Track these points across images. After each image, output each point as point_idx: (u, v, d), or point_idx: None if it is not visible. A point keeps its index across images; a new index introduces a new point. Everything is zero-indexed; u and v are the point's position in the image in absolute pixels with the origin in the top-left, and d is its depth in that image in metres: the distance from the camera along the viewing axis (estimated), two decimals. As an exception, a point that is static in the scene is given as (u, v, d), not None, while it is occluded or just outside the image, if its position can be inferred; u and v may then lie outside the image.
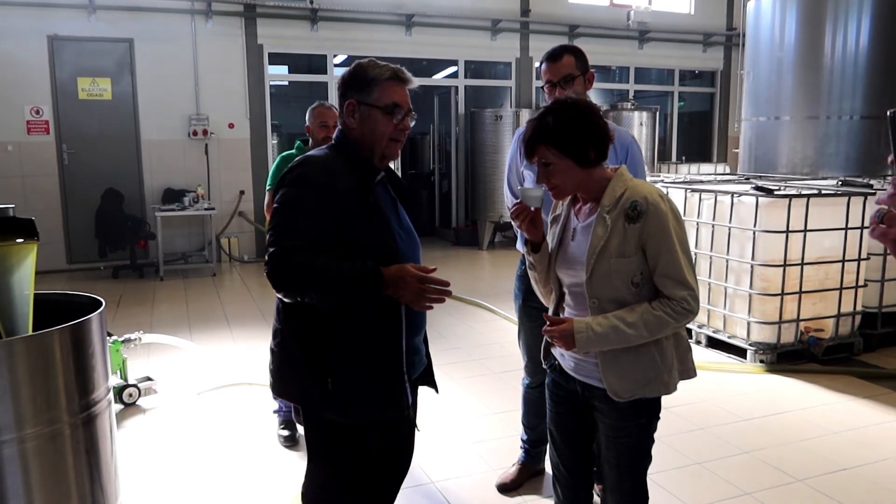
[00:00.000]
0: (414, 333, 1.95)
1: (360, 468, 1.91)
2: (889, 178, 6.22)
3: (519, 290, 2.93)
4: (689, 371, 1.95)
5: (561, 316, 1.98)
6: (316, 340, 1.83)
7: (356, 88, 1.89)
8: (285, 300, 1.85)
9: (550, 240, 2.01)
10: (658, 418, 1.96)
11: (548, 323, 1.90)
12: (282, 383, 1.93)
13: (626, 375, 1.86)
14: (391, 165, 2.08)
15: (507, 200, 3.00)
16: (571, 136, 1.80)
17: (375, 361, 1.85)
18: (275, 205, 1.82)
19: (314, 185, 1.80)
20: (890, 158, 1.16)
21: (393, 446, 2.01)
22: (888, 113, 1.13)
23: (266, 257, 1.78)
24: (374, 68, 1.89)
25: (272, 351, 1.95)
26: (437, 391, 2.13)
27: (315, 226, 1.77)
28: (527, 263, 2.05)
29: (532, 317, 2.89)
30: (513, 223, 2.02)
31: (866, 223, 4.73)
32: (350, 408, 1.84)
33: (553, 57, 2.76)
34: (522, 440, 3.10)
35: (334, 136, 1.96)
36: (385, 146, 1.91)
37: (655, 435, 1.98)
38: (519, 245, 2.89)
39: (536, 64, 10.10)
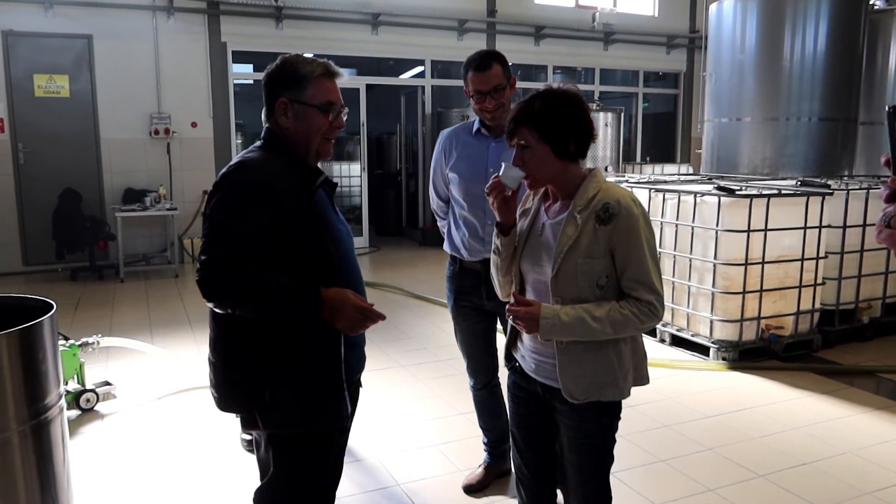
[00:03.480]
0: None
1: (318, 478, 1.88)
2: (844, 178, 6.36)
3: (450, 290, 2.92)
4: (642, 378, 1.94)
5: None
6: (252, 350, 1.76)
7: (287, 86, 1.82)
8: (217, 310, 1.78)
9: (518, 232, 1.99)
10: (619, 418, 1.96)
11: (513, 301, 1.87)
12: (225, 398, 1.85)
13: (582, 378, 1.85)
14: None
15: (432, 202, 3.00)
16: (554, 123, 1.80)
17: (313, 370, 1.79)
18: (208, 212, 1.74)
19: (252, 190, 1.72)
20: (883, 158, 1.13)
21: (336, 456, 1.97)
22: (888, 108, 1.10)
23: (198, 265, 1.70)
24: (304, 64, 1.83)
25: (211, 364, 1.87)
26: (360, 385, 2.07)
27: (253, 234, 1.68)
28: (493, 247, 2.02)
29: (466, 316, 2.89)
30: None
31: (825, 222, 4.83)
32: (290, 420, 1.78)
33: (481, 66, 2.59)
34: (484, 442, 3.09)
35: (263, 135, 1.88)
36: (320, 144, 1.87)
37: (620, 433, 1.98)
38: (446, 246, 2.91)
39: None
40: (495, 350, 2.92)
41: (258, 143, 1.90)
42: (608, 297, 1.83)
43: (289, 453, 1.86)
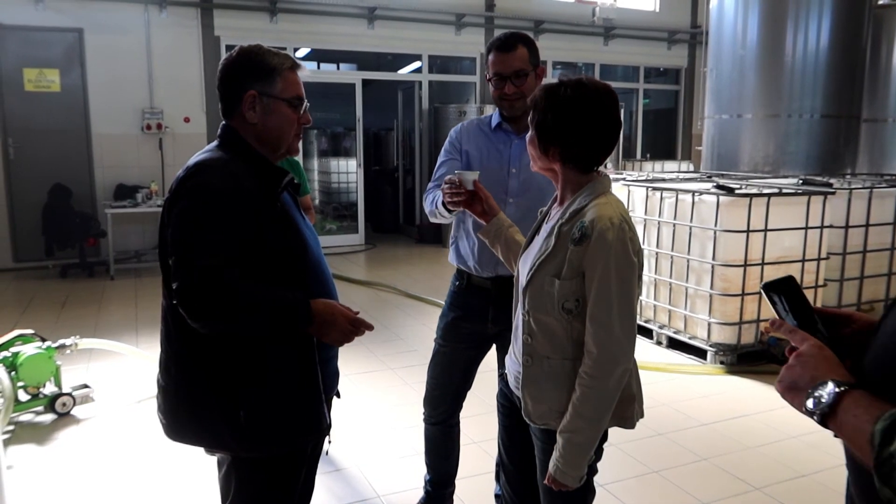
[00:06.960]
0: (329, 346, 1.78)
1: (283, 499, 1.76)
2: (847, 176, 6.23)
3: (449, 307, 2.58)
4: (625, 419, 1.70)
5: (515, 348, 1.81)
6: (222, 369, 1.61)
7: (256, 77, 1.68)
8: (178, 326, 1.61)
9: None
10: (597, 458, 1.73)
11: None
12: (182, 426, 1.69)
13: (541, 400, 1.68)
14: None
15: (427, 205, 2.48)
16: (543, 115, 1.65)
17: (290, 385, 1.67)
18: (174, 220, 1.58)
19: (218, 192, 1.58)
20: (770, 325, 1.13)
21: (307, 472, 1.85)
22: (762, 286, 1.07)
23: (177, 283, 1.51)
24: (271, 56, 1.70)
25: (162, 389, 1.71)
26: (338, 396, 1.94)
27: (230, 240, 1.54)
28: None
29: (458, 338, 2.52)
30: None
31: (827, 222, 4.70)
32: (267, 441, 1.65)
33: (504, 46, 2.30)
34: (425, 480, 2.78)
35: (219, 133, 1.74)
36: (291, 142, 1.75)
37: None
38: (451, 258, 2.57)
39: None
40: (470, 384, 2.63)
41: (214, 142, 1.75)
42: (577, 326, 1.63)
43: (254, 474, 1.73)
